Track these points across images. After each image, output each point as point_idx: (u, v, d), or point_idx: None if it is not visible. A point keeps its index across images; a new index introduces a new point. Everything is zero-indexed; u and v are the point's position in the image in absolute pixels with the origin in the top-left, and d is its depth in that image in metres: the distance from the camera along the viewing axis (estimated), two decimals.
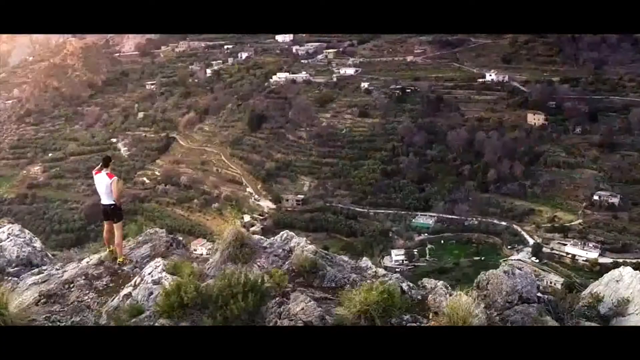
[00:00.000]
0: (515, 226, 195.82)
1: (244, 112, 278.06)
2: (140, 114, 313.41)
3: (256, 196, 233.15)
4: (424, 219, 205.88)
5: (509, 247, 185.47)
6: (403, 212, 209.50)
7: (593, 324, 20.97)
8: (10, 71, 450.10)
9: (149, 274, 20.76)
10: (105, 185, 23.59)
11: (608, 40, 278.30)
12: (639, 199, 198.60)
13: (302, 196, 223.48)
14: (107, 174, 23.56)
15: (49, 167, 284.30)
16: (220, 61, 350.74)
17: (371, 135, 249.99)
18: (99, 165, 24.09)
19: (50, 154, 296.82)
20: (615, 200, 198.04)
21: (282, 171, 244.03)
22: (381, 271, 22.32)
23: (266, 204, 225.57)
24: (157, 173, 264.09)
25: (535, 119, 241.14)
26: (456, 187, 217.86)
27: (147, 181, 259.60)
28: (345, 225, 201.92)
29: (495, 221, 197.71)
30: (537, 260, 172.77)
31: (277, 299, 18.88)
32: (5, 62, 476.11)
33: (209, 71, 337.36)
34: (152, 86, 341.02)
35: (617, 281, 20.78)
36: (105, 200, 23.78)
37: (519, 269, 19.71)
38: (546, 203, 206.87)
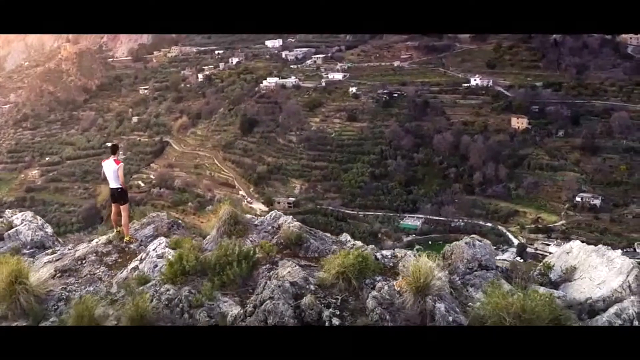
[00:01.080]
0: (500, 227, 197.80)
1: (236, 116, 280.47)
2: (135, 119, 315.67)
3: (248, 199, 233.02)
4: (412, 221, 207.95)
5: (494, 247, 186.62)
6: (391, 214, 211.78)
7: (548, 288, 21.59)
8: (7, 76, 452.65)
9: (154, 249, 22.99)
10: (112, 171, 26.00)
11: (590, 46, 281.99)
12: (619, 201, 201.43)
13: (293, 199, 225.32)
14: (114, 160, 26.06)
15: (46, 171, 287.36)
16: (212, 66, 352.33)
17: (359, 139, 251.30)
18: (108, 153, 26.58)
19: (47, 158, 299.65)
20: (597, 201, 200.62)
21: (273, 174, 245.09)
22: (359, 243, 23.70)
23: (258, 207, 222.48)
24: (151, 176, 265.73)
25: (518, 122, 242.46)
26: (442, 190, 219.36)
27: (142, 184, 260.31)
28: (335, 227, 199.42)
29: (481, 222, 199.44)
30: (522, 260, 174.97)
31: (267, 265, 20.86)
32: (1, 67, 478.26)
33: (200, 76, 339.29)
34: (146, 91, 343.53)
35: (568, 253, 23.29)
36: (113, 184, 26.27)
37: (479, 241, 21.99)
38: (530, 205, 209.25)
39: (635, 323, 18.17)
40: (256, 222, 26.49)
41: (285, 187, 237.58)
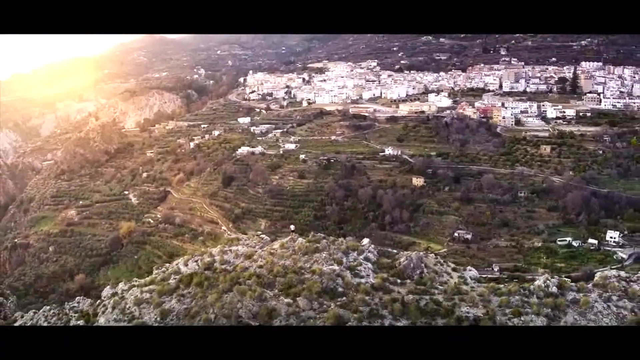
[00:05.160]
0: (402, 253, 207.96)
1: (218, 174, 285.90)
2: (144, 174, 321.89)
3: (228, 232, 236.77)
4: None
5: None
6: None
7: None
8: (44, 140, 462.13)
9: None
10: None
11: (470, 126, 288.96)
12: (485, 236, 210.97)
13: (260, 232, 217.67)
14: None
15: (80, 211, 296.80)
16: (200, 137, 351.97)
17: (307, 191, 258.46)
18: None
19: (81, 202, 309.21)
20: (469, 236, 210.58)
21: (246, 215, 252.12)
22: None
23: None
24: (158, 216, 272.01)
25: (417, 181, 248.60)
26: (363, 227, 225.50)
27: (152, 221, 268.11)
28: None
29: (389, 249, 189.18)
30: None
31: None
32: (38, 133, 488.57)
33: (192, 144, 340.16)
34: (151, 154, 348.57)
35: None
36: None
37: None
38: (423, 237, 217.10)
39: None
40: None
41: (255, 224, 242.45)
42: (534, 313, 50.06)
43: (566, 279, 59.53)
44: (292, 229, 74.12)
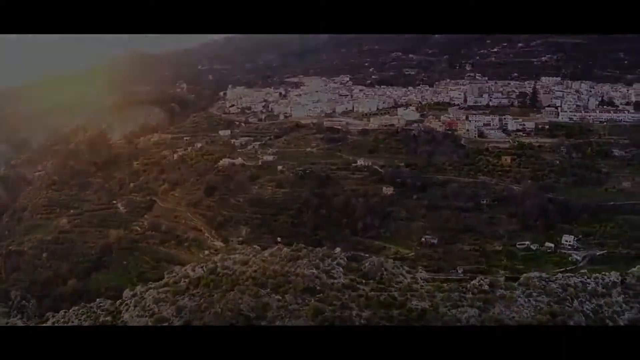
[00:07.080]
0: (373, 257, 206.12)
1: (201, 184, 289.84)
2: (131, 184, 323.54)
3: (212, 239, 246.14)
4: None
5: None
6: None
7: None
8: (35, 152, 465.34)
9: None
10: None
11: (436, 138, 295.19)
12: (449, 240, 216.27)
13: (241, 238, 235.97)
14: None
15: (72, 219, 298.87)
16: (183, 149, 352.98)
17: (284, 200, 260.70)
18: None
19: (71, 211, 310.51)
20: (435, 241, 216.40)
21: (228, 222, 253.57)
22: None
23: (218, 244, 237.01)
24: (145, 224, 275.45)
25: (387, 190, 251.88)
26: (337, 233, 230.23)
27: (139, 229, 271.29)
28: None
29: (361, 254, 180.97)
30: None
31: None
32: (29, 145, 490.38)
33: (175, 156, 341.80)
34: (137, 165, 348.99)
35: None
36: None
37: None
38: (393, 242, 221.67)
39: None
40: None
41: (236, 231, 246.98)
42: (468, 305, 61.46)
43: (499, 279, 71.49)
44: (279, 240, 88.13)
